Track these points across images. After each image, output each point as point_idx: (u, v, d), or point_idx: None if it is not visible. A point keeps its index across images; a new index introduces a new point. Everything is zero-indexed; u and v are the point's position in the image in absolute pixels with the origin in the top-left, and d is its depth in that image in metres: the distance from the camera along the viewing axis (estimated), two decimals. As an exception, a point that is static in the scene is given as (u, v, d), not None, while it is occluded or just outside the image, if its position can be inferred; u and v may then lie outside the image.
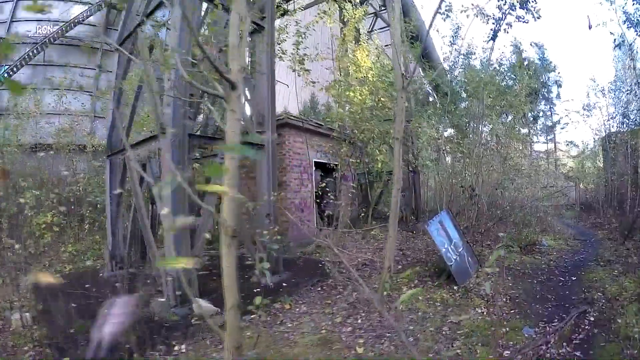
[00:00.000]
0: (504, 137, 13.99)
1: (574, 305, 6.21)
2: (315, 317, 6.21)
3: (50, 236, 9.99)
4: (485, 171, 12.65)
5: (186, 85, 6.39)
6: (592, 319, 5.63)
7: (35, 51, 16.20)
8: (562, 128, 30.45)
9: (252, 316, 5.83)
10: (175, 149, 6.45)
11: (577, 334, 5.18)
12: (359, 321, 6.05)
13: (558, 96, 31.94)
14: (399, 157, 6.40)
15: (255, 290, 7.82)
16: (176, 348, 5.13)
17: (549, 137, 32.15)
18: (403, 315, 6.14)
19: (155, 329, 5.51)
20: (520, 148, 18.19)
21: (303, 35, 12.20)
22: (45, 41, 16.40)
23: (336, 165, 14.03)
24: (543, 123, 31.27)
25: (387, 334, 5.45)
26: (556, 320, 5.65)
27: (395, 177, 6.45)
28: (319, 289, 8.07)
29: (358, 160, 14.93)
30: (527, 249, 10.67)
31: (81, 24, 17.18)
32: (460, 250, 8.36)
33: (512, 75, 14.39)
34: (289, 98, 17.14)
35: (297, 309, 6.70)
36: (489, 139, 14.10)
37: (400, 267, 9.31)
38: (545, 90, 30.31)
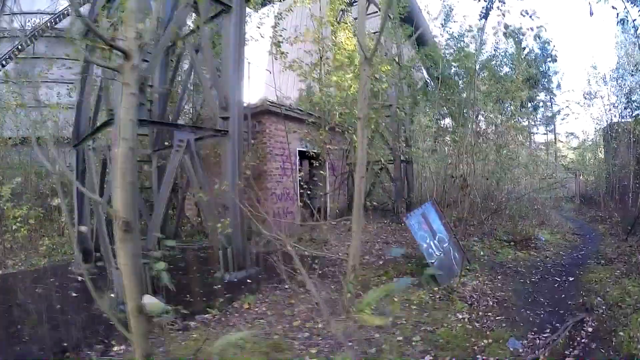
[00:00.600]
0: (502, 125, 13.03)
1: (569, 312, 5.29)
2: (273, 320, 5.46)
3: (27, 229, 9.74)
4: (478, 160, 11.70)
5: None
6: (590, 329, 4.71)
7: (24, 44, 15.41)
8: (563, 119, 29.18)
9: (205, 315, 5.50)
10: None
11: (571, 349, 4.28)
12: (319, 326, 5.21)
13: (558, 86, 30.69)
14: (362, 140, 5.45)
15: (215, 287, 7.11)
16: (115, 348, 4.60)
17: (549, 129, 30.94)
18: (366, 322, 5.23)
19: (99, 327, 5.02)
20: (520, 138, 17.22)
21: (280, 16, 11.20)
22: (35, 34, 15.57)
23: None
24: (543, 113, 30.06)
25: (349, 342, 4.56)
26: (548, 331, 4.75)
27: (359, 162, 5.51)
28: (287, 287, 7.20)
29: (345, 149, 13.98)
30: (522, 244, 9.76)
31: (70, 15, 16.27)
32: (445, 245, 7.46)
33: (508, 61, 13.35)
34: (287, 90, 16.05)
35: (257, 309, 5.97)
36: (483, 127, 13.15)
37: (382, 262, 8.42)
38: (546, 80, 29.04)
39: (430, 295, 6.20)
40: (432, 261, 6.75)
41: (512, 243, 9.80)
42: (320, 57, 11.27)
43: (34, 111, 14.29)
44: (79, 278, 7.71)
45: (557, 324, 4.91)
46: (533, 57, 23.54)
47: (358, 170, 5.41)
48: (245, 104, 11.95)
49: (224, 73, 7.81)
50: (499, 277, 7.09)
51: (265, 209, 11.78)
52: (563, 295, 6.08)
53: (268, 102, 11.82)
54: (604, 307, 5.27)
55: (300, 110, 12.39)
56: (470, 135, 11.01)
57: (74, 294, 6.45)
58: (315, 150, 12.62)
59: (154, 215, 7.11)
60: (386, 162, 15.39)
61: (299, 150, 13.06)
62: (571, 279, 6.93)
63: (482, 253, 8.97)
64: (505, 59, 12.83)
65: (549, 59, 28.05)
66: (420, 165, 15.60)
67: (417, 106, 15.97)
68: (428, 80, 18.12)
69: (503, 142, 12.30)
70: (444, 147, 15.83)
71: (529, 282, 6.79)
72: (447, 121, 17.42)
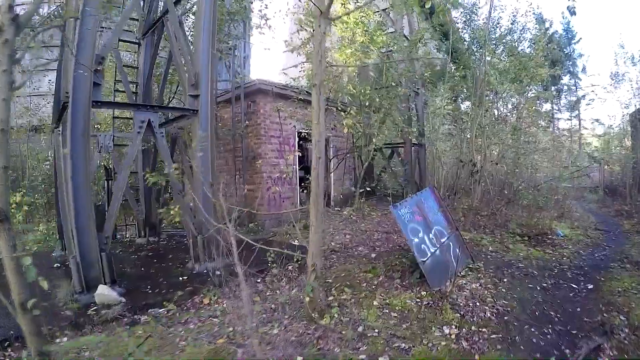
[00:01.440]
0: (521, 108, 11.65)
1: (584, 334, 4.12)
2: (229, 319, 4.69)
3: (22, 216, 9.83)
4: (492, 144, 10.43)
5: (93, 49, 5.69)
6: (608, 361, 3.56)
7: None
8: (588, 104, 26.93)
9: (159, 310, 5.04)
10: (79, 119, 5.51)
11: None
12: (275, 331, 4.32)
13: (584, 70, 28.48)
14: (318, 111, 4.34)
15: (182, 279, 6.43)
16: (58, 340, 4.28)
17: (573, 114, 28.77)
18: (334, 329, 4.24)
19: (47, 318, 4.42)
20: (542, 123, 15.69)
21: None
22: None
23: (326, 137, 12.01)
24: (567, 98, 27.93)
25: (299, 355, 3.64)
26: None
27: (315, 141, 4.41)
28: (259, 280, 6.30)
29: (357, 131, 12.81)
30: (537, 239, 8.54)
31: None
32: (443, 240, 6.35)
33: (526, 37, 11.81)
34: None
35: (217, 305, 5.31)
36: (501, 108, 11.80)
37: (374, 255, 7.39)
38: (570, 63, 26.87)
39: (417, 300, 5.15)
40: (424, 259, 5.64)
41: (526, 238, 8.58)
42: (312, 30, 10.07)
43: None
44: (56, 265, 7.38)
45: (567, 350, 3.78)
46: (557, 38, 21.70)
47: (315, 148, 4.32)
48: (237, 85, 11.14)
49: (196, 48, 7.04)
50: (504, 279, 5.94)
51: (259, 193, 10.94)
52: (578, 309, 4.89)
53: (261, 81, 10.80)
54: (626, 330, 4.07)
55: (296, 89, 11.24)
56: (482, 116, 9.70)
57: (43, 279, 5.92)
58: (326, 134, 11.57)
59: (112, 202, 6.46)
60: (396, 145, 14.22)
61: (300, 132, 12.01)
62: (590, 286, 5.70)
63: (490, 248, 7.82)
64: (523, 34, 11.30)
65: (573, 40, 25.88)
66: (435, 149, 14.31)
67: (434, 87, 14.65)
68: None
69: (520, 124, 10.93)
70: (461, 131, 14.50)
71: (539, 289, 5.61)
72: (468, 104, 15.98)
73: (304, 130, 11.85)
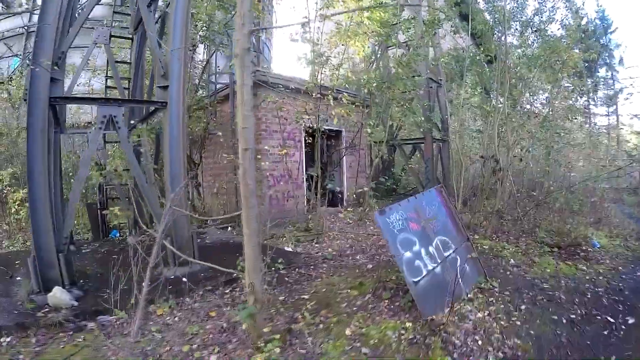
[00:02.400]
0: (553, 100, 10.05)
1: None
2: (170, 336, 4.03)
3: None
4: (518, 138, 8.92)
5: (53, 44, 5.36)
6: None
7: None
8: (626, 99, 24.09)
9: (109, 317, 4.47)
10: (37, 115, 5.18)
11: None
12: (213, 358, 3.53)
13: (621, 62, 25.69)
14: (242, 89, 3.18)
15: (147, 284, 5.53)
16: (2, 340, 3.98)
17: (610, 110, 25.96)
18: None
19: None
20: (578, 119, 13.87)
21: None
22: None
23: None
24: (603, 92, 25.22)
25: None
26: None
27: (240, 127, 3.23)
28: (228, 290, 5.44)
29: (376, 125, 11.53)
30: (568, 251, 7.01)
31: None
32: (448, 254, 5.08)
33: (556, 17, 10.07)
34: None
35: (168, 319, 4.52)
36: (530, 99, 10.21)
37: (371, 265, 6.25)
38: (607, 54, 24.25)
39: (402, 330, 3.91)
40: (417, 279, 4.39)
41: (555, 249, 7.09)
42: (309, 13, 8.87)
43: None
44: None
45: None
46: (592, 28, 19.46)
47: (241, 138, 3.16)
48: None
49: (168, 35, 6.41)
50: (522, 307, 4.60)
51: (260, 192, 9.93)
52: (613, 355, 3.50)
53: (261, 72, 9.72)
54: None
55: (302, 81, 10.07)
56: (505, 105, 8.22)
57: (18, 278, 5.82)
58: (327, 127, 10.42)
59: (70, 200, 5.81)
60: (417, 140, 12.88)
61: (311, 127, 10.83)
62: (631, 320, 4.25)
63: (512, 261, 6.44)
64: (553, 14, 9.62)
65: (610, 30, 23.23)
66: (456, 144, 12.84)
67: (460, 79, 13.22)
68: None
69: (552, 116, 9.32)
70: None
71: (565, 322, 4.24)
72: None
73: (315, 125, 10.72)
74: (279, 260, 5.47)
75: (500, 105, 8.54)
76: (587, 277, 5.71)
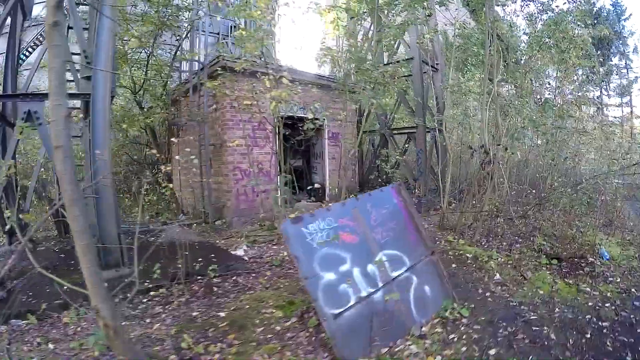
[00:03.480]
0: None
1: None
2: (49, 350, 3.34)
3: None
4: (516, 125, 7.33)
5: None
6: None
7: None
8: None
9: (20, 322, 3.87)
10: None
11: None
12: None
13: (635, 50, 23.35)
14: (50, 68, 2.09)
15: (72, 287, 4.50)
16: None
17: (623, 100, 23.64)
18: None
19: None
20: (590, 112, 12.14)
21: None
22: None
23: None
24: (616, 82, 23.00)
25: None
26: None
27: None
28: (147, 299, 4.43)
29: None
30: (571, 264, 5.42)
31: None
32: (399, 274, 3.63)
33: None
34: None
35: (72, 328, 3.77)
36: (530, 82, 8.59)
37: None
38: (620, 42, 22.03)
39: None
40: (338, 311, 2.96)
41: (554, 260, 5.52)
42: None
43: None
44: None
45: None
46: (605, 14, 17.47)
47: (52, 137, 1.91)
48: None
49: (91, 22, 5.66)
50: (491, 351, 3.12)
51: (226, 187, 8.65)
52: None
53: (225, 57, 8.31)
54: None
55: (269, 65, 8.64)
56: (495, 86, 6.65)
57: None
58: (305, 115, 9.02)
59: None
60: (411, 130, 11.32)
61: (290, 116, 9.36)
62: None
63: (497, 277, 4.94)
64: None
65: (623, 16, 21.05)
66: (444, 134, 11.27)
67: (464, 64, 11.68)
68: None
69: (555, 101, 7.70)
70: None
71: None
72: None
73: (296, 114, 9.29)
74: (210, 268, 4.76)
75: (490, 87, 6.96)
76: (590, 304, 4.14)
